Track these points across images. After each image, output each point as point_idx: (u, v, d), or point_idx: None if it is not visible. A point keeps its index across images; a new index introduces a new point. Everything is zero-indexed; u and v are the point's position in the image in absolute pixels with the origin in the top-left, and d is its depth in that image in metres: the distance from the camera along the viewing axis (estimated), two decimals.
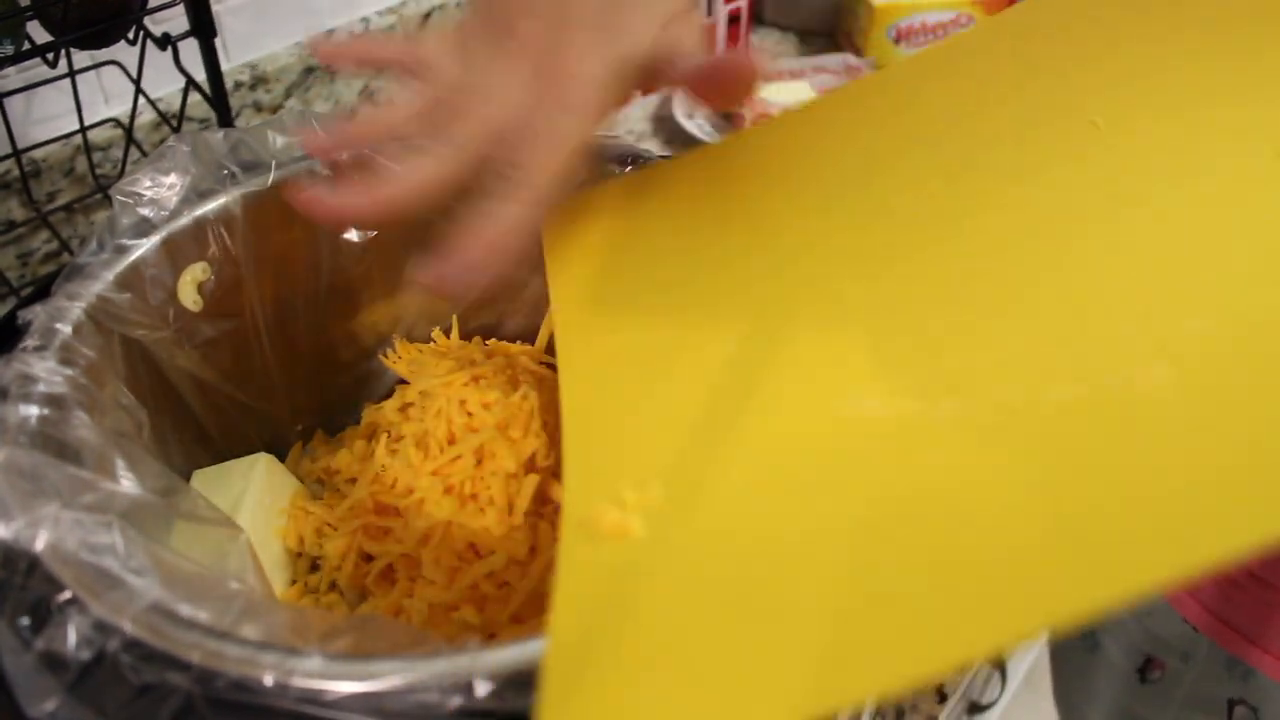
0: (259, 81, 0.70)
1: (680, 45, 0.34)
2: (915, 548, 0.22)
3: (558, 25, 0.33)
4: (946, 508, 0.23)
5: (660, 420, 0.29)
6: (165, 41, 0.54)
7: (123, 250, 0.38)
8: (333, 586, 0.41)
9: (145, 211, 0.39)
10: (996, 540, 0.21)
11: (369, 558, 0.40)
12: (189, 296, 0.40)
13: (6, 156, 0.58)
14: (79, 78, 0.57)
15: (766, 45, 0.99)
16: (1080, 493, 0.21)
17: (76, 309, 0.36)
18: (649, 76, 0.34)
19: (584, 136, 0.32)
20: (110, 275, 0.37)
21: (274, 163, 0.42)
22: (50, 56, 0.50)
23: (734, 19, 0.90)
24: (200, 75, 0.56)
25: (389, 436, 0.43)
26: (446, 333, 0.48)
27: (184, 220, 0.40)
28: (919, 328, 0.28)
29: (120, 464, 0.33)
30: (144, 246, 0.38)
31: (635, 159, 0.43)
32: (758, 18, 1.01)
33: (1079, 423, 0.23)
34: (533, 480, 0.39)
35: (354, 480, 0.43)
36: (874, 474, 0.24)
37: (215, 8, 0.63)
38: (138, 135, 0.64)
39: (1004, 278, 0.28)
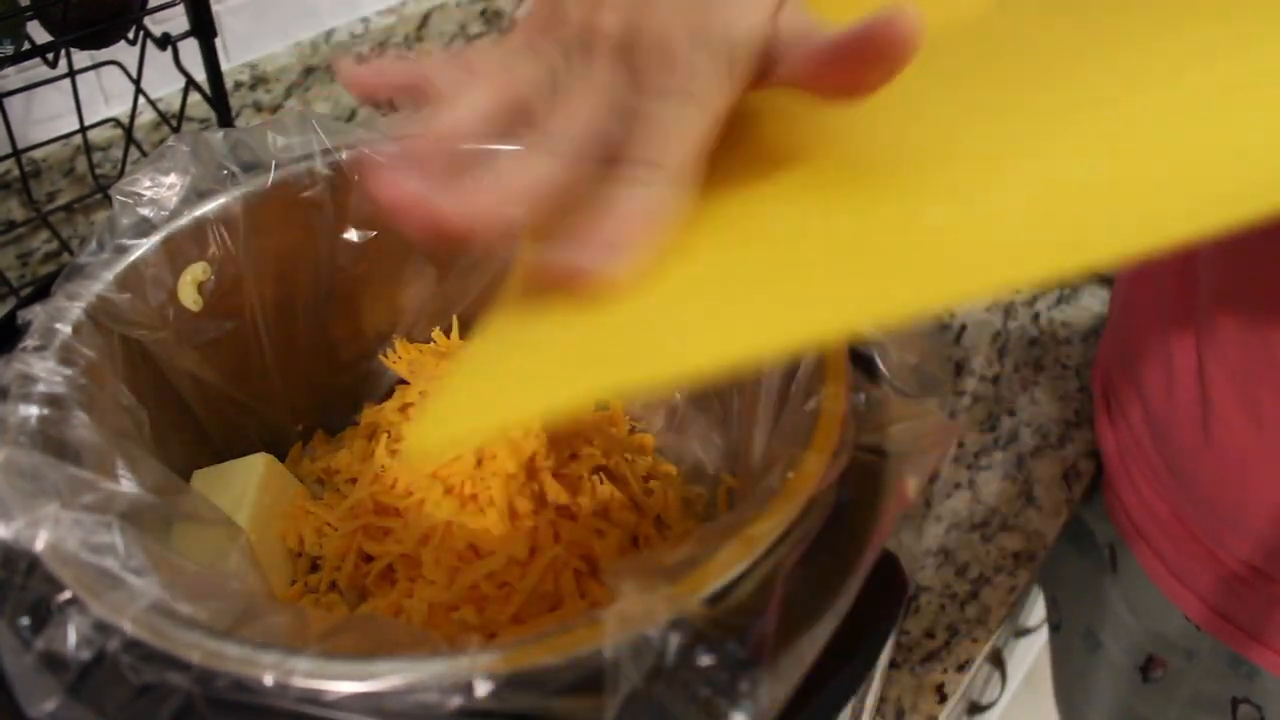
0: (259, 81, 0.70)
1: (796, 28, 0.28)
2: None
3: (644, 12, 0.28)
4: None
5: None
6: (165, 41, 0.54)
7: (123, 250, 0.38)
8: (333, 586, 0.41)
9: (145, 211, 0.39)
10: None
11: (369, 558, 0.40)
12: (189, 296, 0.40)
13: (6, 156, 0.58)
14: (79, 78, 0.57)
15: None
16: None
17: (76, 309, 0.36)
18: (762, 68, 0.28)
19: (705, 128, 0.28)
20: (110, 275, 0.37)
21: (274, 163, 0.42)
22: (50, 56, 0.50)
23: None
24: (200, 75, 0.56)
25: (389, 437, 0.44)
26: (446, 333, 0.48)
27: (184, 220, 0.40)
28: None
29: (120, 464, 0.33)
30: (144, 246, 0.38)
31: None
32: None
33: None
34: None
35: (354, 480, 0.43)
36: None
37: (215, 8, 0.63)
38: (138, 135, 0.64)
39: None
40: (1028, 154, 0.28)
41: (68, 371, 0.33)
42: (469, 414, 0.26)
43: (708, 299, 0.26)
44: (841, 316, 0.25)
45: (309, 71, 0.72)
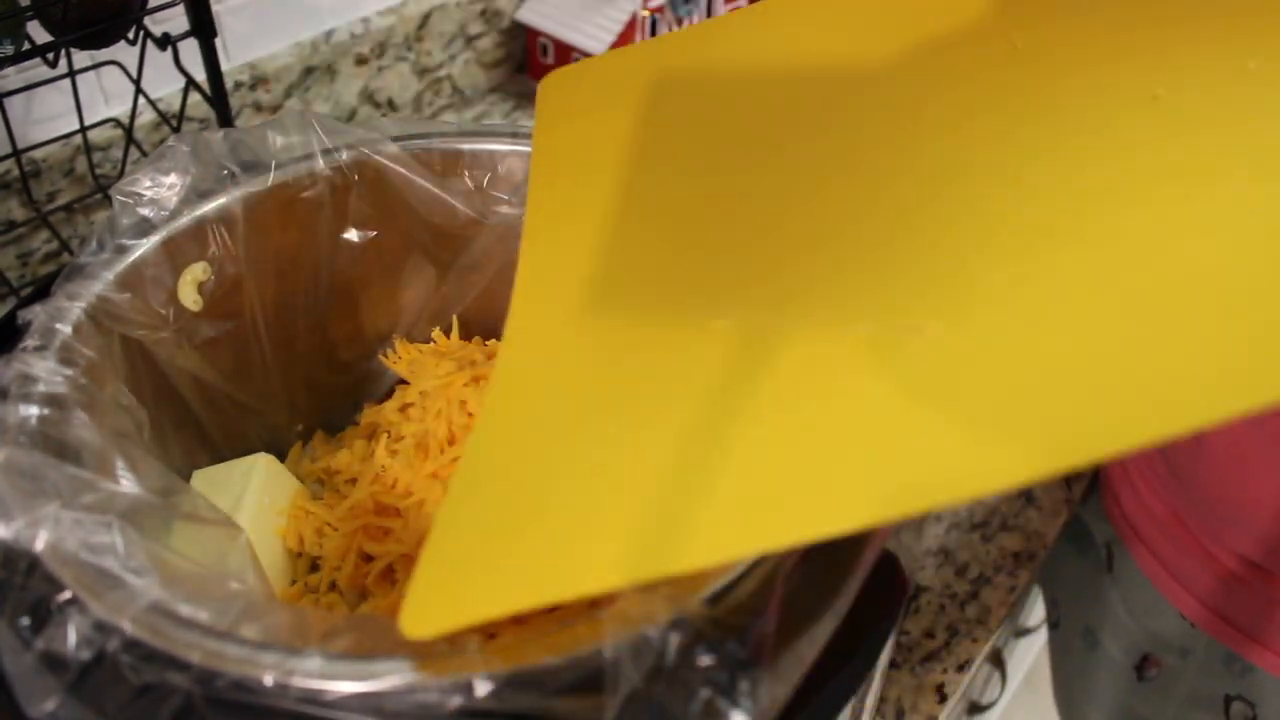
0: (259, 81, 0.70)
1: None
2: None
3: None
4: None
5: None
6: (165, 41, 0.54)
7: (123, 250, 0.38)
8: (333, 586, 0.41)
9: (145, 211, 0.39)
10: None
11: (369, 558, 0.40)
12: (189, 296, 0.40)
13: (6, 156, 0.58)
14: (79, 78, 0.57)
15: None
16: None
17: (76, 309, 0.36)
18: None
19: None
20: (110, 275, 0.37)
21: (274, 163, 0.42)
22: (50, 56, 0.50)
23: None
24: (200, 75, 0.56)
25: (389, 437, 0.43)
26: (446, 333, 0.49)
27: (184, 220, 0.40)
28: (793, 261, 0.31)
29: (120, 464, 0.33)
30: (144, 246, 0.38)
31: None
32: None
33: (868, 357, 0.26)
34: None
35: (354, 480, 0.43)
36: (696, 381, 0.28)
37: (215, 8, 0.63)
38: (138, 135, 0.64)
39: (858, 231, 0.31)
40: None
41: (68, 371, 0.33)
42: (477, 600, 0.26)
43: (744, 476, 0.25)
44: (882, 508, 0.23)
45: (309, 71, 0.72)
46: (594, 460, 0.28)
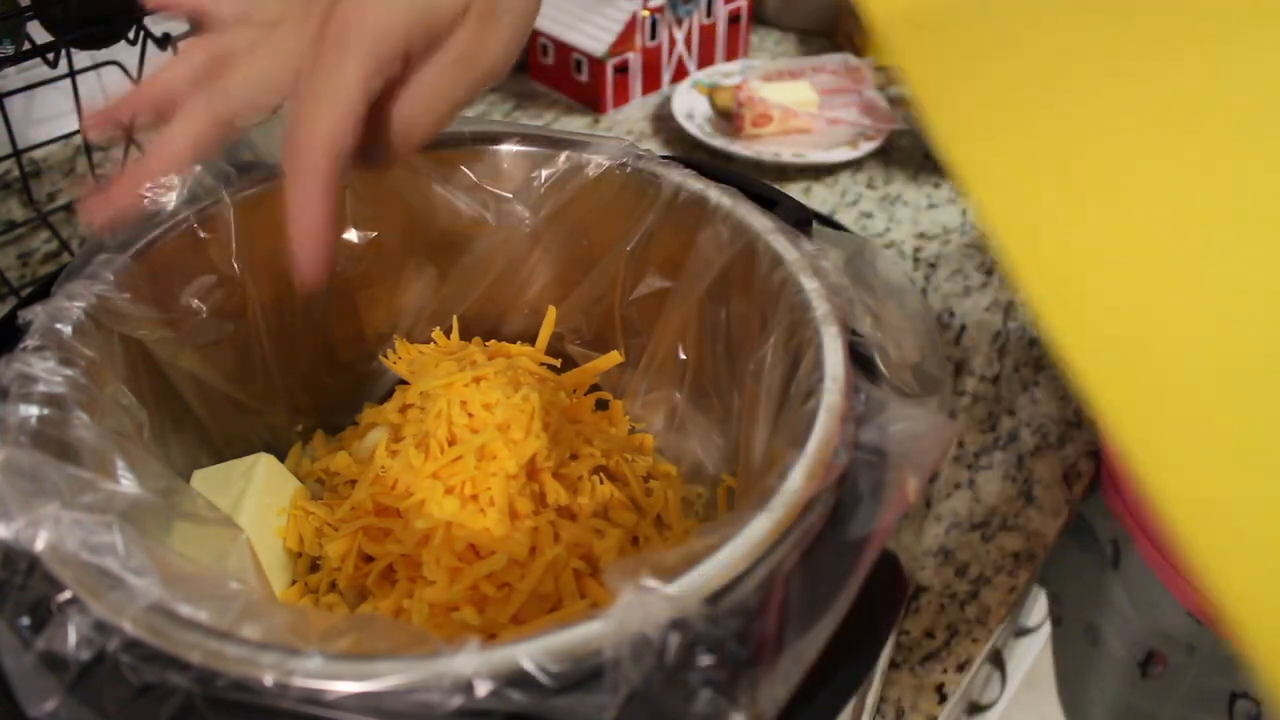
0: None
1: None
2: None
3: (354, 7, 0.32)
4: None
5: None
6: (165, 41, 0.54)
7: (123, 250, 0.38)
8: (333, 587, 0.41)
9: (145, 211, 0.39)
10: None
11: (369, 558, 0.40)
12: (189, 297, 0.40)
13: (6, 156, 0.58)
14: (79, 78, 0.57)
15: (766, 45, 0.99)
16: None
17: (76, 309, 0.36)
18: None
19: (364, 85, 0.31)
20: (110, 275, 0.37)
21: (274, 163, 0.42)
22: (50, 56, 0.50)
23: (734, 19, 0.90)
24: None
25: (389, 438, 0.44)
26: (447, 333, 0.48)
27: (184, 220, 0.40)
28: None
29: (120, 464, 0.33)
30: (144, 246, 0.38)
31: (636, 159, 0.43)
32: (758, 17, 1.01)
33: None
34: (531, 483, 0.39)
35: (354, 481, 0.43)
36: None
37: None
38: (137, 135, 0.64)
39: None
40: None
41: (68, 371, 0.33)
42: None
43: None
44: None
45: None
46: None
